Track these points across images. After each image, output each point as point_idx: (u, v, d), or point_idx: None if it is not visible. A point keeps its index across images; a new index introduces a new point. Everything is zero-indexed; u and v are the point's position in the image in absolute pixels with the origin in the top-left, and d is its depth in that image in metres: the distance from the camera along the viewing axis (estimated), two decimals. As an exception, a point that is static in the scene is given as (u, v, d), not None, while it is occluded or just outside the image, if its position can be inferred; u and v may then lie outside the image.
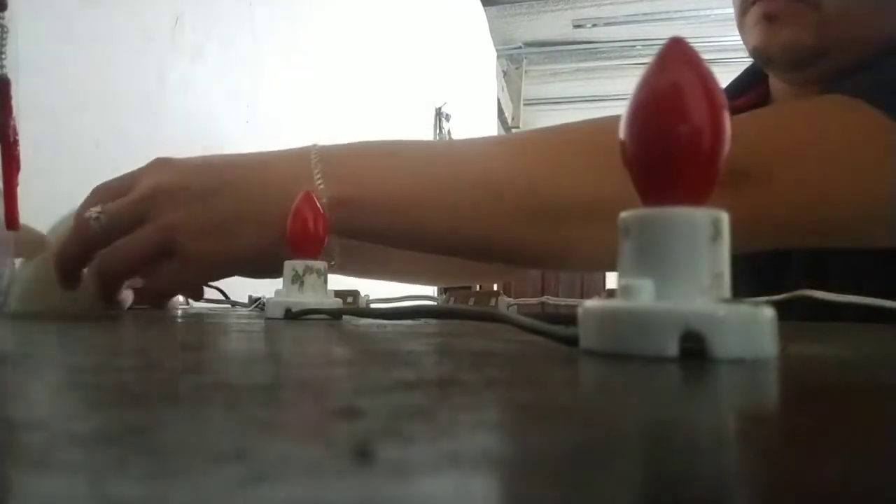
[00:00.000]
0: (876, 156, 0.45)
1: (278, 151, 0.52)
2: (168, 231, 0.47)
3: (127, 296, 0.57)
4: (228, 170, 0.50)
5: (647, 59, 0.21)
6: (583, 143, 0.51)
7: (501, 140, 0.60)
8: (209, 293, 0.70)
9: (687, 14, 3.32)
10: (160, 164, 0.51)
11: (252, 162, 0.52)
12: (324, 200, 0.47)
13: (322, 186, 0.48)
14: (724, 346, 0.19)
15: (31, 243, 0.51)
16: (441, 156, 0.53)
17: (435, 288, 1.04)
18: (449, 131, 2.33)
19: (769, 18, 0.57)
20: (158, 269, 0.50)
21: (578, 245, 0.48)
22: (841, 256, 0.56)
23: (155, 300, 0.55)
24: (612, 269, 0.51)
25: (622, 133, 0.21)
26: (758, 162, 0.42)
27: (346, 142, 0.52)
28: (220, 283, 0.67)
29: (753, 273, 0.59)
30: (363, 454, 0.09)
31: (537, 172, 0.49)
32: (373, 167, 0.50)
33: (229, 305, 0.72)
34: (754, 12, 0.58)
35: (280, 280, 0.45)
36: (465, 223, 0.50)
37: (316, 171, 0.48)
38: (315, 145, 0.50)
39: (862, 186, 0.45)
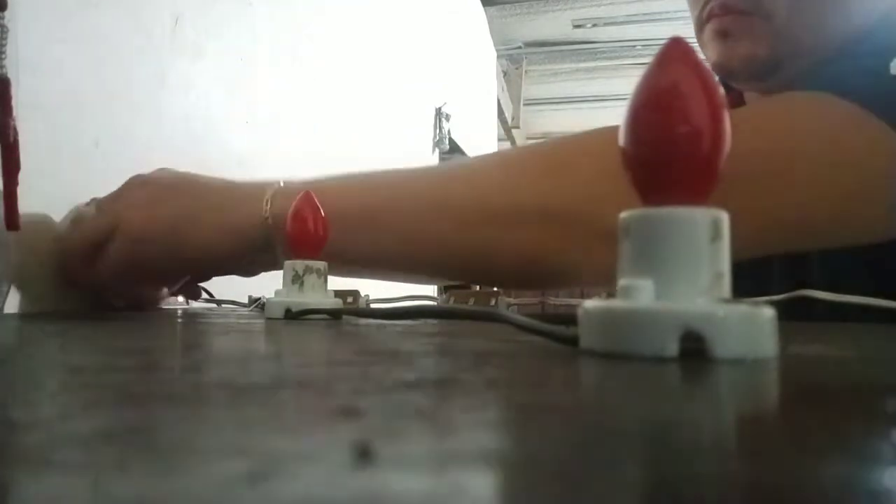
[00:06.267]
0: (853, 147, 0.45)
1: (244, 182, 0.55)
2: (116, 213, 0.52)
3: (161, 296, 0.58)
4: (188, 182, 0.54)
5: (647, 59, 0.21)
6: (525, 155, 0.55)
7: (449, 163, 0.63)
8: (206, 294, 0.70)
9: (687, 14, 3.32)
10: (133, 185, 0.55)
11: (212, 182, 0.55)
12: (268, 217, 0.50)
13: (269, 206, 0.51)
14: (724, 346, 0.19)
15: (37, 230, 0.52)
16: (393, 177, 0.54)
17: (435, 288, 1.04)
18: (449, 131, 2.33)
19: (723, 34, 0.58)
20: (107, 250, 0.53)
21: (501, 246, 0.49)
22: (821, 261, 0.56)
23: (111, 289, 0.57)
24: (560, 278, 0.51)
25: (622, 134, 0.21)
26: (736, 165, 0.41)
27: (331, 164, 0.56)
28: (209, 284, 0.67)
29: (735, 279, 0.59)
30: (363, 453, 0.09)
31: (481, 183, 0.51)
32: (323, 190, 0.51)
33: (216, 304, 0.72)
34: (709, 29, 0.59)
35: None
36: (416, 239, 0.51)
37: (268, 195, 0.51)
38: (281, 181, 0.53)
39: (841, 180, 0.45)
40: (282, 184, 0.52)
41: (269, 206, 0.51)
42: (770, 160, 0.44)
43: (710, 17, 0.59)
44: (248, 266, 0.60)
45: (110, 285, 0.55)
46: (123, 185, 0.54)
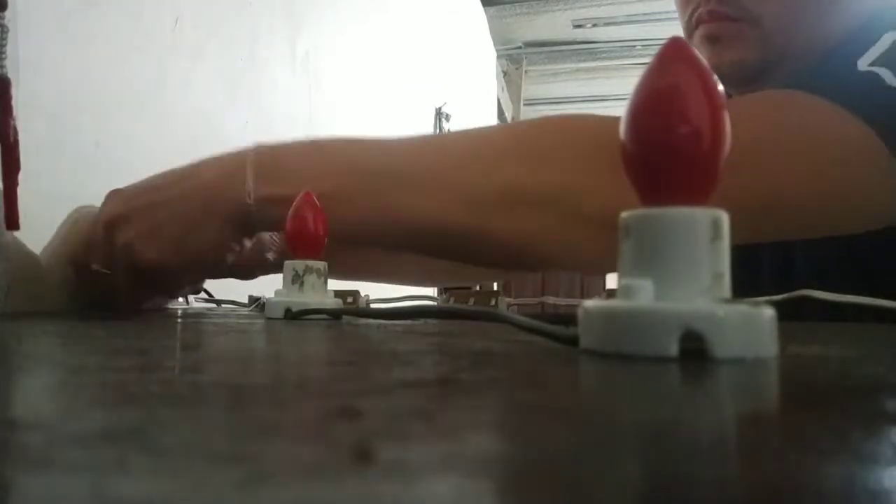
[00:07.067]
0: (826, 138, 0.46)
1: (217, 156, 0.54)
2: (127, 248, 0.51)
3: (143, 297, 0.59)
4: (165, 186, 0.53)
5: (647, 59, 0.21)
6: (507, 137, 0.55)
7: (431, 136, 0.61)
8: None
9: (687, 14, 3.32)
10: (110, 196, 0.54)
11: (186, 172, 0.53)
12: (251, 200, 0.49)
13: (251, 186, 0.49)
14: (724, 346, 0.19)
15: (23, 262, 0.51)
16: (376, 150, 0.53)
17: (435, 288, 1.04)
18: (449, 131, 2.34)
19: (712, 40, 0.58)
20: (144, 291, 0.54)
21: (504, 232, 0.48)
22: (807, 255, 0.57)
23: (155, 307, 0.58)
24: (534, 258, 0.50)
25: (622, 133, 0.21)
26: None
27: (292, 140, 0.54)
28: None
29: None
30: (363, 454, 0.09)
31: (466, 164, 0.50)
32: (307, 165, 0.51)
33: (215, 304, 0.72)
34: (698, 35, 0.59)
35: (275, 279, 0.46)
36: (401, 215, 0.50)
37: (249, 171, 0.50)
38: (258, 145, 0.52)
39: (818, 175, 0.45)
40: (252, 156, 0.50)
41: (251, 186, 0.50)
42: (745, 149, 0.44)
43: (698, 23, 0.59)
44: (246, 267, 0.60)
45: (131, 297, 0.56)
46: (102, 221, 0.52)
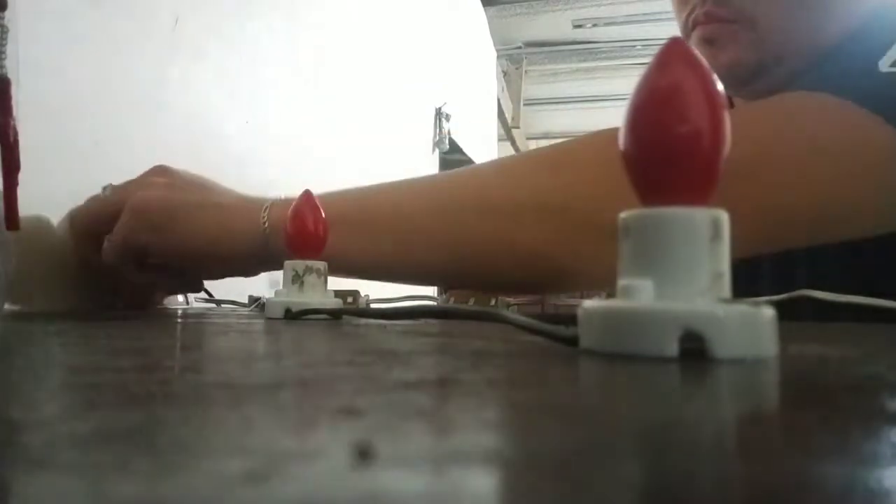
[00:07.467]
0: (848, 143, 0.46)
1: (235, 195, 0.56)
2: (127, 191, 0.52)
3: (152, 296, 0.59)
4: (203, 182, 0.55)
5: (647, 59, 0.21)
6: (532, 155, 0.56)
7: (448, 170, 0.62)
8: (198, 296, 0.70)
9: (687, 14, 3.31)
10: (157, 171, 0.55)
11: (225, 189, 0.55)
12: (266, 225, 0.50)
13: (266, 214, 0.51)
14: (724, 346, 0.19)
15: (36, 231, 0.52)
16: (393, 183, 0.54)
17: (435, 288, 1.04)
18: (449, 131, 2.33)
19: (708, 42, 0.59)
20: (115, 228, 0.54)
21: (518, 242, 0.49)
22: (806, 259, 0.57)
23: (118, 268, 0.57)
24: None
25: (622, 134, 0.21)
26: (741, 160, 0.41)
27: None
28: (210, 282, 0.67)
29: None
30: (364, 453, 0.09)
31: (480, 183, 0.51)
32: (330, 197, 0.51)
33: (215, 304, 0.72)
34: (695, 36, 0.60)
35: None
36: (415, 241, 0.50)
37: (266, 204, 0.51)
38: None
39: (840, 177, 0.45)
40: (283, 196, 0.52)
41: (266, 213, 0.51)
42: (764, 158, 0.44)
43: (695, 25, 0.60)
44: (251, 271, 0.60)
45: (112, 265, 0.54)
46: (145, 172, 0.55)
